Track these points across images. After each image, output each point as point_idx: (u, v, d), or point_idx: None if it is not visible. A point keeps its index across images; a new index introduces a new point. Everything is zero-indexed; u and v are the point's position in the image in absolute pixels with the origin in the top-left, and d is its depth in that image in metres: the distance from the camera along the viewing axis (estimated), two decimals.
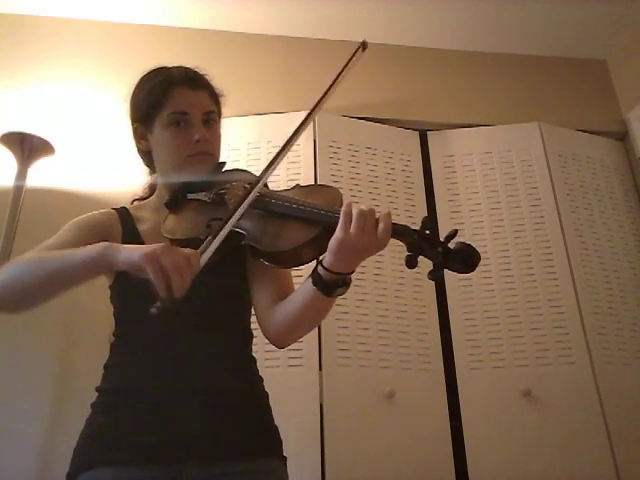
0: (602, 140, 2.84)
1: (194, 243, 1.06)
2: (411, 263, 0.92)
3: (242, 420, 1.05)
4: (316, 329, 2.07)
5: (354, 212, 0.93)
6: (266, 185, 1.18)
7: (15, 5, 2.59)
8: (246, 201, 1.00)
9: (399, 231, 0.94)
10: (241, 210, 0.99)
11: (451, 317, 2.33)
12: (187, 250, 0.88)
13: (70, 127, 2.37)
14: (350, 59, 1.15)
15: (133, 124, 1.21)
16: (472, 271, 0.91)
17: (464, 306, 2.33)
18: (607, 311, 2.40)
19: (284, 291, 1.11)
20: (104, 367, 1.11)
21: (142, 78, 1.22)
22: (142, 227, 1.18)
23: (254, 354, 1.17)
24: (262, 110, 2.51)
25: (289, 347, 1.14)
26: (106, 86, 2.51)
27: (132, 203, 1.29)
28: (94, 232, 1.13)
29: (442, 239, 0.92)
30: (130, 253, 0.89)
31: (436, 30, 2.85)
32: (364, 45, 1.17)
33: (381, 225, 0.92)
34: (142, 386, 1.03)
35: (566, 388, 2.21)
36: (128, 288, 1.11)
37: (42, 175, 2.26)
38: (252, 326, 1.18)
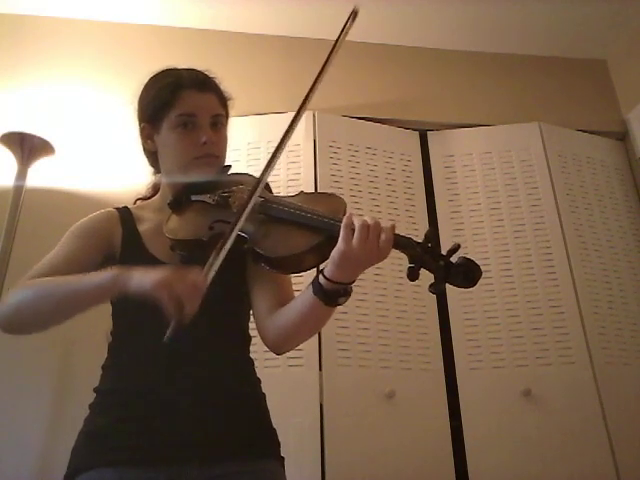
0: (602, 140, 2.84)
1: (196, 244, 1.06)
2: (413, 275, 0.93)
3: (241, 421, 1.05)
4: None
5: (357, 224, 0.92)
6: (270, 190, 1.18)
7: (15, 5, 2.59)
8: (245, 211, 1.00)
9: (402, 243, 0.94)
10: (242, 221, 0.99)
11: (451, 317, 2.33)
12: (194, 273, 0.88)
13: (70, 127, 2.37)
14: (343, 29, 1.16)
15: (140, 124, 1.21)
16: (473, 286, 0.91)
17: (464, 306, 2.33)
18: (607, 311, 2.39)
19: (284, 297, 1.11)
20: (102, 368, 1.11)
21: (151, 78, 1.22)
22: (143, 227, 1.18)
23: (254, 354, 1.17)
24: (262, 110, 2.51)
25: None
26: (106, 86, 2.52)
27: (135, 202, 1.29)
28: (94, 238, 1.14)
29: (444, 253, 0.92)
30: (141, 280, 0.89)
31: (436, 30, 2.85)
32: (355, 14, 1.18)
33: (383, 237, 0.92)
34: (140, 387, 1.03)
35: (566, 388, 2.21)
36: None
37: (42, 175, 2.26)
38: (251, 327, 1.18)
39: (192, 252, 1.08)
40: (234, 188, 1.13)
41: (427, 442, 2.10)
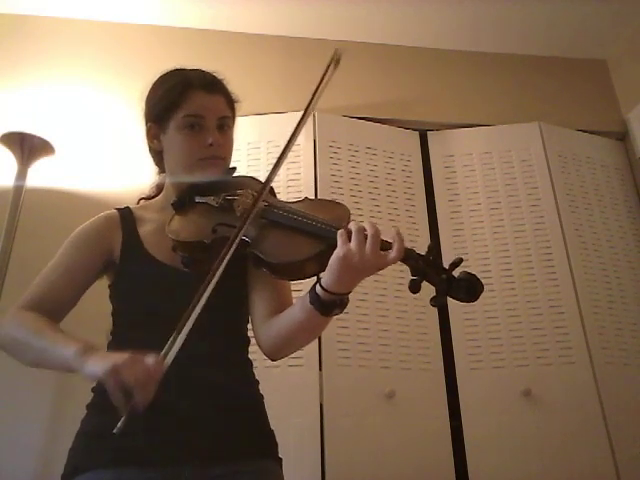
0: (602, 140, 2.84)
1: (198, 247, 1.06)
2: (414, 288, 0.93)
3: (239, 422, 1.05)
4: None
5: (354, 228, 0.92)
6: (274, 194, 1.18)
7: (15, 5, 2.59)
8: (247, 221, 1.00)
9: (404, 255, 0.94)
10: (240, 235, 0.99)
11: (451, 317, 2.33)
12: (149, 359, 0.87)
13: (70, 127, 2.37)
14: (325, 72, 1.15)
15: (147, 123, 1.20)
16: (474, 301, 0.91)
17: (464, 306, 2.32)
18: (607, 311, 2.40)
19: (282, 304, 1.11)
20: None
21: (159, 78, 1.21)
22: (144, 228, 1.17)
23: (253, 354, 1.17)
24: (262, 110, 2.51)
25: None
26: (106, 86, 2.52)
27: (138, 202, 1.29)
28: (93, 246, 1.14)
29: (447, 266, 0.92)
30: (94, 366, 0.88)
31: (436, 30, 2.85)
32: (337, 58, 1.17)
33: (393, 254, 0.92)
34: None
35: (566, 388, 2.21)
36: (127, 288, 1.12)
37: (42, 175, 2.26)
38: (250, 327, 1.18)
39: (194, 254, 1.07)
40: (238, 192, 1.12)
41: (427, 442, 2.10)
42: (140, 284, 1.11)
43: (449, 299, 0.92)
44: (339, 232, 0.93)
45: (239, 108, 1.24)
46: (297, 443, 1.92)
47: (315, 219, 1.01)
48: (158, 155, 1.22)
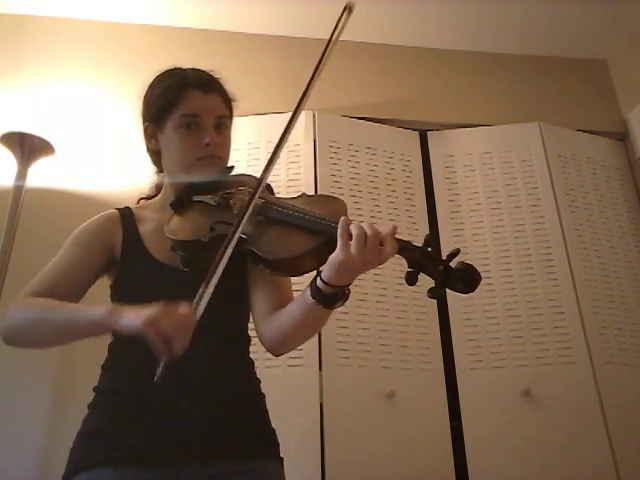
0: (602, 140, 2.83)
1: (196, 245, 1.06)
2: (411, 280, 0.92)
3: (241, 421, 1.05)
4: None
5: (354, 232, 0.92)
6: (272, 192, 1.18)
7: (15, 5, 2.59)
8: (244, 218, 1.00)
9: (401, 247, 0.94)
10: (239, 231, 0.99)
11: (451, 317, 2.33)
12: (183, 308, 0.88)
13: (70, 127, 2.37)
14: (337, 24, 1.15)
15: (144, 123, 1.20)
16: (472, 292, 0.91)
17: (464, 306, 2.33)
18: (607, 311, 2.39)
19: (283, 299, 1.11)
20: (102, 368, 1.11)
21: (156, 77, 1.22)
22: (144, 228, 1.18)
23: (254, 354, 1.17)
24: (262, 110, 2.51)
25: None
26: (106, 86, 2.52)
27: (138, 202, 1.29)
28: (95, 243, 1.14)
29: (444, 257, 0.91)
30: (131, 320, 0.89)
31: (436, 30, 2.85)
32: (350, 8, 1.17)
33: (388, 248, 0.92)
34: (140, 387, 1.02)
35: (566, 388, 2.21)
36: (127, 287, 1.12)
37: (42, 175, 2.26)
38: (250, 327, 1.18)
39: (193, 253, 1.08)
40: (235, 189, 1.13)
41: (427, 442, 2.10)
42: (140, 283, 1.11)
43: (449, 291, 0.91)
44: (339, 233, 0.93)
45: (237, 107, 1.24)
46: (297, 443, 1.91)
47: (311, 214, 1.01)
48: (156, 155, 1.22)
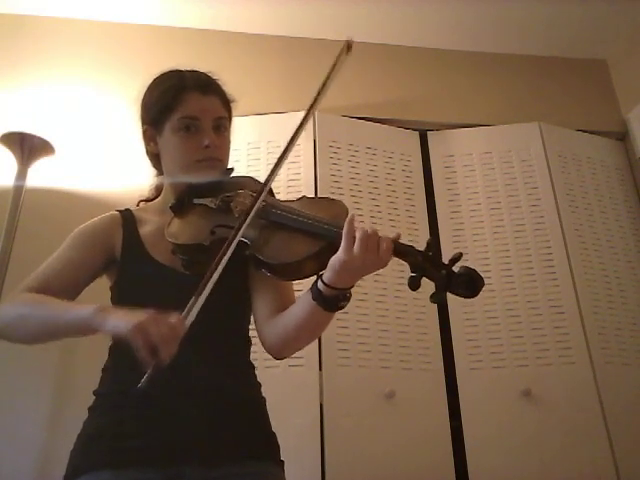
0: (602, 140, 2.83)
1: (197, 249, 1.05)
2: (414, 284, 0.92)
3: (241, 423, 1.05)
4: None
5: (357, 234, 0.92)
6: (273, 194, 1.17)
7: (15, 5, 2.59)
8: (244, 224, 0.99)
9: (403, 251, 0.94)
10: (238, 237, 0.98)
11: (451, 317, 2.33)
12: (172, 317, 0.87)
13: (70, 127, 2.36)
14: (335, 61, 1.15)
15: (143, 126, 1.20)
16: (475, 296, 0.90)
17: (464, 306, 2.33)
18: (607, 311, 2.39)
19: (285, 302, 1.11)
20: (102, 370, 1.11)
21: (154, 80, 1.21)
22: (144, 230, 1.17)
23: (254, 354, 1.17)
24: (262, 110, 2.51)
25: None
26: (106, 86, 2.52)
27: (138, 204, 1.29)
28: (95, 243, 1.14)
29: (446, 262, 0.91)
30: (117, 322, 0.88)
31: (436, 30, 2.85)
32: (349, 45, 1.17)
33: (383, 245, 0.92)
34: (140, 389, 1.02)
35: (566, 388, 2.21)
36: (127, 289, 1.12)
37: (42, 175, 2.26)
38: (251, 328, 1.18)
39: (193, 256, 1.07)
40: (236, 192, 1.12)
41: (427, 442, 2.10)
42: (140, 285, 1.11)
43: (449, 295, 0.91)
44: (344, 232, 0.93)
45: (237, 107, 1.24)
46: (297, 443, 1.91)
47: (313, 218, 1.01)
48: (155, 158, 1.22)
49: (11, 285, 1.95)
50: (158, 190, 1.27)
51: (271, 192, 1.17)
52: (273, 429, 1.12)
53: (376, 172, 2.50)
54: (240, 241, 1.00)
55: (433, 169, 2.64)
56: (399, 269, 2.27)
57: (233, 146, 1.22)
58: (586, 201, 2.62)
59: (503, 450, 2.11)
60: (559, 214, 2.50)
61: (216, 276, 0.93)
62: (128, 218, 1.19)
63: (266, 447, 1.08)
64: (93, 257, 1.13)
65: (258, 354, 1.18)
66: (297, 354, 2.09)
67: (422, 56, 2.90)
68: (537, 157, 2.62)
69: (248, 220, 1.00)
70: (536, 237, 2.46)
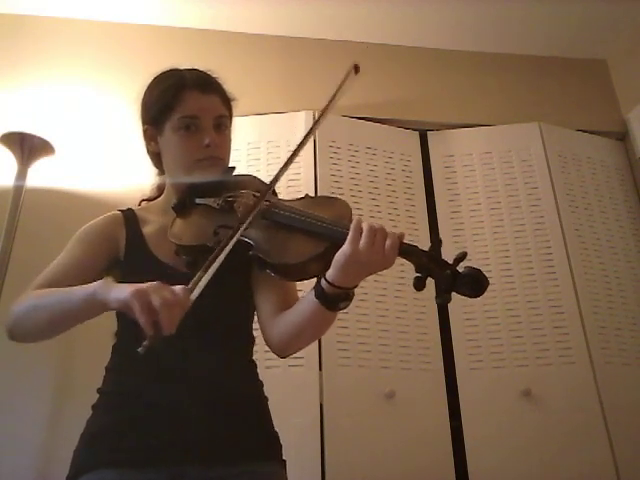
0: (602, 140, 2.83)
1: (201, 250, 1.05)
2: (419, 285, 0.92)
3: (243, 423, 1.05)
4: None
5: (364, 227, 0.92)
6: (275, 194, 1.17)
7: (15, 5, 2.59)
8: (243, 225, 0.99)
9: (407, 251, 0.94)
10: (238, 236, 0.98)
11: (451, 317, 2.33)
12: (177, 287, 0.86)
13: (70, 127, 2.36)
14: (341, 84, 1.15)
15: (143, 126, 1.20)
16: (479, 296, 0.90)
17: (464, 306, 2.33)
18: (607, 311, 2.39)
19: (288, 301, 1.11)
20: (106, 369, 1.11)
21: (154, 80, 1.21)
22: (147, 229, 1.17)
23: (254, 354, 1.17)
24: (262, 110, 2.51)
25: None
26: (106, 86, 2.52)
27: (140, 204, 1.29)
28: (98, 243, 1.14)
29: (451, 262, 0.91)
30: (120, 290, 0.87)
31: (436, 30, 2.85)
32: (356, 68, 1.17)
33: (389, 242, 0.92)
34: (143, 388, 1.02)
35: (566, 388, 2.21)
36: None
37: (42, 175, 2.26)
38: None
39: (197, 257, 1.07)
40: (239, 192, 1.12)
41: (427, 442, 2.10)
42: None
43: (453, 295, 0.91)
44: (353, 226, 0.92)
45: (237, 107, 1.24)
46: (297, 443, 1.91)
47: (317, 218, 1.01)
48: (156, 157, 1.22)
49: (11, 285, 1.95)
50: (160, 189, 1.27)
51: (274, 192, 1.17)
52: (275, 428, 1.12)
53: (376, 172, 2.50)
54: (244, 242, 1.00)
55: (433, 169, 2.64)
56: (399, 269, 2.27)
57: (233, 146, 1.22)
58: (586, 201, 2.62)
59: (503, 450, 2.11)
60: (559, 214, 2.50)
61: (223, 255, 0.92)
62: (131, 218, 1.19)
63: (268, 447, 1.08)
64: (97, 257, 1.13)
65: (259, 354, 1.18)
66: (297, 354, 2.09)
67: (422, 56, 2.90)
68: (537, 157, 2.62)
69: (249, 220, 1.00)
70: (536, 237, 2.46)
